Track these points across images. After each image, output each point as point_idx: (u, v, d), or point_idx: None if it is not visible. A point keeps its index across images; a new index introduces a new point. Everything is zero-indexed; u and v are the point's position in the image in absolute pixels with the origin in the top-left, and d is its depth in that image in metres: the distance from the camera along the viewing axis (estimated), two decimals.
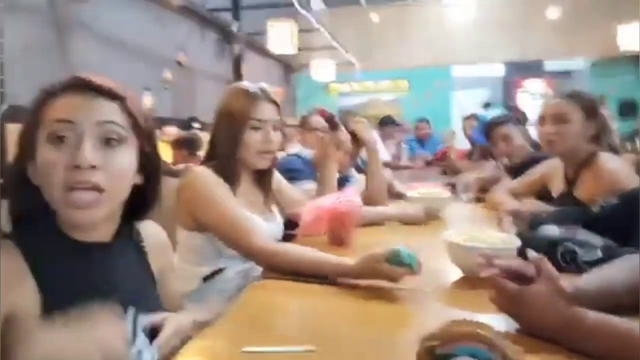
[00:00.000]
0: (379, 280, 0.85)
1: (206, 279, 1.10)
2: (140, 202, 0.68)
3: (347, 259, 0.91)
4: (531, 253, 0.67)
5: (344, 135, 1.37)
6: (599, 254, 0.85)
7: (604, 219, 1.15)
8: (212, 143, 1.16)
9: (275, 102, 1.15)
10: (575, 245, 0.88)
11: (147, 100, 4.26)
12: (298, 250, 0.98)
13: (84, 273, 0.64)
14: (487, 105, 8.11)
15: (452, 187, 1.97)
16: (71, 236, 0.64)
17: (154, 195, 0.70)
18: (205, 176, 1.08)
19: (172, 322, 0.63)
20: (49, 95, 0.63)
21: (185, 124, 4.31)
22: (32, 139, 0.62)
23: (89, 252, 0.65)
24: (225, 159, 1.11)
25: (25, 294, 0.60)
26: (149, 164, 0.67)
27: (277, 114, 1.15)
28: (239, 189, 1.13)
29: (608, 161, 1.41)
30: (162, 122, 4.14)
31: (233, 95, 1.13)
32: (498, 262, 0.65)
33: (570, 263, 0.86)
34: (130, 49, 4.07)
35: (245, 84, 1.16)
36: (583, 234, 1.00)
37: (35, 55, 3.03)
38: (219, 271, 1.11)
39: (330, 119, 1.39)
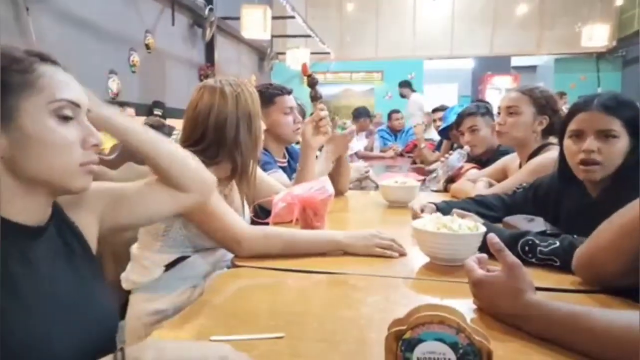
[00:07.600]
0: (369, 251, 0.99)
1: (168, 266, 1.06)
2: None
3: (336, 232, 1.03)
4: (492, 240, 0.68)
5: (322, 113, 1.44)
6: (556, 242, 0.88)
7: (514, 204, 1.23)
8: (205, 131, 1.07)
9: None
10: (533, 237, 0.91)
11: (113, 84, 4.09)
12: (286, 230, 1.04)
13: (19, 257, 0.59)
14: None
15: (423, 181, 2.01)
16: (6, 218, 0.60)
17: None
18: None
19: None
20: (43, 60, 0.61)
21: (149, 109, 4.15)
22: (18, 101, 0.58)
23: (28, 235, 0.61)
24: (216, 147, 1.07)
25: None
26: None
27: None
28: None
29: (552, 151, 1.44)
30: (122, 105, 3.92)
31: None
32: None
33: (529, 254, 0.89)
34: (96, 30, 3.86)
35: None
36: (541, 224, 1.04)
37: None
38: (181, 259, 1.07)
39: (312, 80, 1.46)
